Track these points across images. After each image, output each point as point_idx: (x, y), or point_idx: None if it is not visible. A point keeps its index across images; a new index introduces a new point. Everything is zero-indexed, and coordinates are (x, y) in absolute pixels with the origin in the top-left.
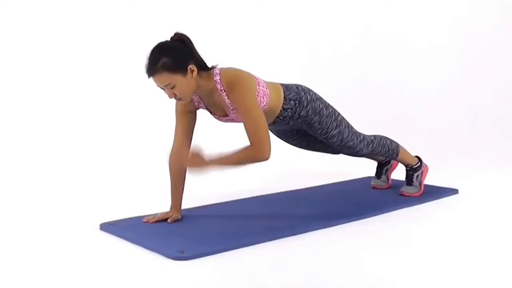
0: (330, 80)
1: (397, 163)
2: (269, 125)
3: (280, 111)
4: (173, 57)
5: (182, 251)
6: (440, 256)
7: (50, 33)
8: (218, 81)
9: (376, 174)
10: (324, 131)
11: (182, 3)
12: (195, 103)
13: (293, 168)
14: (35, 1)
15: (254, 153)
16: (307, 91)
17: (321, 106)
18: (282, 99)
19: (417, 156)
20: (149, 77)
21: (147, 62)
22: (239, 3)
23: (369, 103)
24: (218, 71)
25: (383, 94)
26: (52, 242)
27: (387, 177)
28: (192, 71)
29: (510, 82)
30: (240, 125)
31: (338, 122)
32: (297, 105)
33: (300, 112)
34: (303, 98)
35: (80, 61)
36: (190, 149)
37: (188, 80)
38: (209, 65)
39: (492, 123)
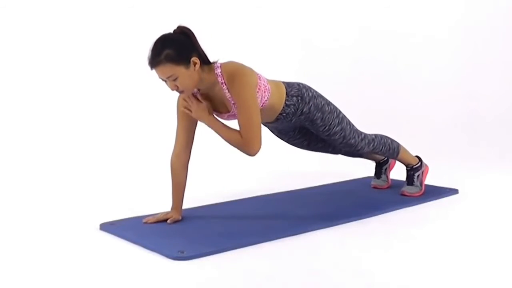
0: (327, 75)
1: (395, 162)
2: (271, 123)
3: (283, 107)
4: (176, 49)
5: (182, 251)
6: (440, 256)
7: (50, 32)
8: (219, 74)
9: (375, 174)
10: (327, 127)
11: None
12: None
13: (293, 168)
14: (36, 1)
15: (243, 146)
16: (308, 88)
17: (322, 103)
18: (284, 95)
19: (417, 156)
20: (151, 68)
21: (149, 54)
22: None
23: (367, 102)
24: (219, 65)
25: (382, 93)
26: (52, 242)
27: (387, 176)
28: (195, 64)
29: (510, 82)
30: None
31: (340, 119)
32: (299, 101)
33: (303, 109)
34: (305, 95)
35: (80, 60)
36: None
37: (190, 72)
38: (211, 60)
39: (492, 123)
